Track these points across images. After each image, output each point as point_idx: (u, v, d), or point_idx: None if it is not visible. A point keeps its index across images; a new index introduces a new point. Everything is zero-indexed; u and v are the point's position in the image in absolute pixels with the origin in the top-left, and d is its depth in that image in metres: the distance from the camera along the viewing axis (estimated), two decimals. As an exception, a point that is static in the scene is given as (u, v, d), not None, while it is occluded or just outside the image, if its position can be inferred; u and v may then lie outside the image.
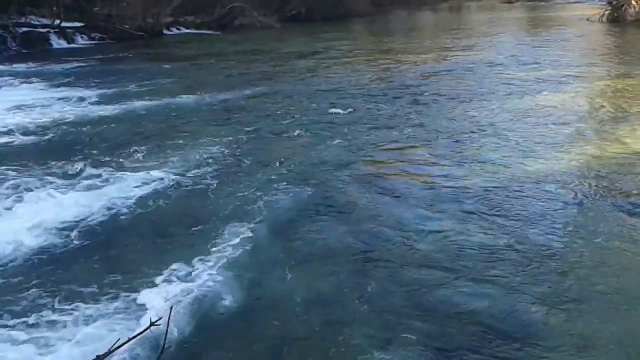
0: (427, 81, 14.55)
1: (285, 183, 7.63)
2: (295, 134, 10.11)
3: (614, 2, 26.95)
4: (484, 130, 9.99)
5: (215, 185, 7.61)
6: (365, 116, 11.32)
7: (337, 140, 9.63)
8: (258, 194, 7.18)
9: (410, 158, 8.74)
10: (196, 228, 6.22)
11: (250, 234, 5.98)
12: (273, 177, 7.87)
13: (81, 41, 24.96)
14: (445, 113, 11.28)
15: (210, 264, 5.35)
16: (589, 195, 7.14)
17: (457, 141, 9.42)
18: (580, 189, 7.31)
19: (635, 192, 7.12)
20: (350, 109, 11.80)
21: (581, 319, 4.54)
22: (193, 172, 8.02)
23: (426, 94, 13.03)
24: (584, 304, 4.74)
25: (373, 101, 12.56)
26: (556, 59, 17.18)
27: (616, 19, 25.91)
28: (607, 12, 26.71)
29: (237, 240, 5.83)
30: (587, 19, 27.24)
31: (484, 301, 4.77)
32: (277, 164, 8.44)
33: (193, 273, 5.20)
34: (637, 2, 25.14)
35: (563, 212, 6.60)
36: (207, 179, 7.79)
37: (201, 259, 5.42)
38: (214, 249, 5.66)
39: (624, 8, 25.81)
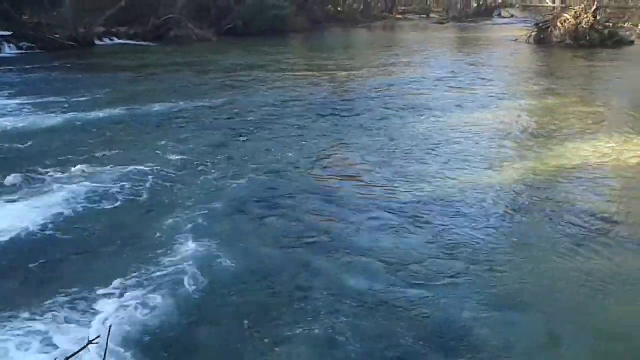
0: (363, 97, 14.66)
1: (222, 194, 7.49)
2: (230, 146, 10.01)
3: (540, 25, 28.18)
4: (417, 146, 10.11)
5: (148, 198, 7.32)
6: (305, 127, 11.32)
7: (276, 151, 9.64)
8: (195, 204, 7.05)
9: (343, 171, 8.78)
10: (127, 243, 5.97)
11: (189, 247, 5.81)
12: (210, 189, 7.73)
13: (9, 50, 23.84)
14: (381, 128, 11.38)
15: (144, 279, 5.10)
16: (516, 206, 7.36)
17: (390, 155, 9.53)
18: (507, 199, 7.57)
19: (562, 203, 7.38)
20: (288, 122, 11.76)
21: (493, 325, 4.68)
22: (121, 184, 7.74)
23: (362, 109, 13.12)
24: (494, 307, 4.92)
25: (311, 115, 12.55)
26: (487, 78, 17.72)
27: (542, 40, 27.10)
28: (534, 33, 27.88)
29: (171, 254, 5.62)
30: (515, 40, 28.34)
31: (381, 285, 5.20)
32: (212, 178, 8.23)
33: (129, 287, 4.96)
34: (562, 24, 26.37)
35: (491, 222, 6.81)
36: (137, 193, 7.51)
37: (134, 275, 5.17)
38: (147, 264, 5.42)
39: (549, 30, 27.04)
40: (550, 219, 6.96)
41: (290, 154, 9.53)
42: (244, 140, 10.47)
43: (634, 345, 4.52)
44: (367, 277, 5.36)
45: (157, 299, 4.79)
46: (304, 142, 10.32)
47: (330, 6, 43.96)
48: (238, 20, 31.15)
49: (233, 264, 5.53)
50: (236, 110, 13.13)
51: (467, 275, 5.48)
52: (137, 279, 5.12)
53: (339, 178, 8.48)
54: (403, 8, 52.02)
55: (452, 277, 5.44)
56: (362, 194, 7.69)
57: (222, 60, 21.86)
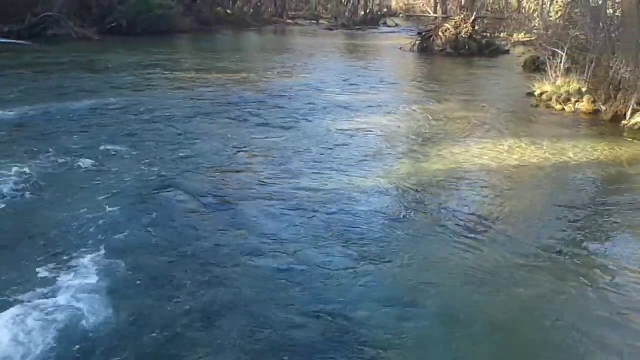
0: (253, 100, 14.46)
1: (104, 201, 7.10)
2: (113, 149, 9.52)
3: (423, 34, 29.34)
4: (309, 147, 10.16)
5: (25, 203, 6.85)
6: (186, 132, 10.97)
7: (157, 154, 9.32)
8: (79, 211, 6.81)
9: (230, 177, 8.57)
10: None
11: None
12: (93, 194, 7.47)
13: None
14: (271, 132, 11.29)
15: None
16: (409, 209, 7.63)
17: (281, 160, 9.47)
18: (399, 202, 7.84)
19: (451, 206, 7.66)
20: (171, 126, 11.36)
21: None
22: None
23: (253, 113, 12.96)
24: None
25: (196, 119, 12.23)
26: (376, 84, 18.12)
27: (425, 48, 28.22)
28: (417, 42, 28.98)
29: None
30: (401, 48, 29.29)
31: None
32: (92, 185, 7.72)
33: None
34: (443, 34, 27.60)
35: (382, 223, 7.06)
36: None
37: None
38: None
39: (432, 39, 28.22)
40: (433, 217, 7.25)
41: (178, 154, 9.19)
42: (134, 140, 9.98)
43: (494, 324, 5.02)
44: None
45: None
46: (195, 141, 10.13)
47: (219, 8, 43.15)
48: (122, 20, 29.68)
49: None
50: (119, 111, 12.43)
51: (347, 265, 5.89)
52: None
53: (231, 174, 8.39)
54: (293, 13, 52.21)
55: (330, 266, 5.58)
56: (253, 190, 7.53)
57: (103, 61, 20.68)
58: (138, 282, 5.36)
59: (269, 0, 50.81)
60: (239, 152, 9.82)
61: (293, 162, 9.35)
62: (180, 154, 9.48)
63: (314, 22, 50.02)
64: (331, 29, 44.52)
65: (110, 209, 6.96)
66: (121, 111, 12.48)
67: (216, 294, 5.24)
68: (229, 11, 44.70)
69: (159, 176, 8.33)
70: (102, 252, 5.84)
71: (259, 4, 48.66)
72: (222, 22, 40.09)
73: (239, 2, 47.07)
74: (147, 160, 9.02)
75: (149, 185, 7.96)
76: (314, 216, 7.13)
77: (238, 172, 8.80)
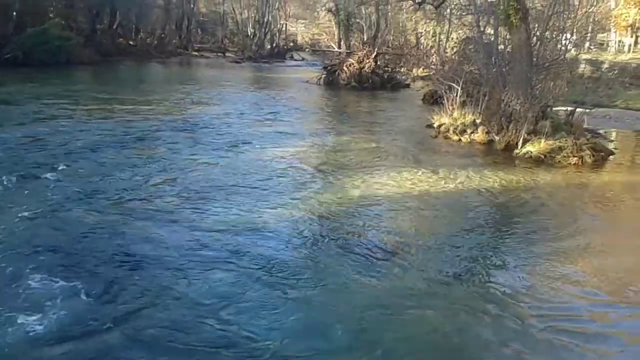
0: (159, 133, 14.12)
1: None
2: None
3: (329, 68, 30.05)
4: (222, 179, 10.02)
5: None
6: (89, 169, 10.51)
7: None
8: None
9: (140, 209, 8.27)
10: None
11: None
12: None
13: None
14: (179, 164, 11.05)
15: None
16: (319, 237, 7.74)
17: (194, 189, 9.36)
18: (310, 231, 7.90)
19: (360, 233, 7.81)
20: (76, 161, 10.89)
21: None
22: None
23: (159, 146, 12.66)
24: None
25: (97, 152, 11.74)
26: (284, 116, 18.27)
27: (331, 82, 28.93)
28: (323, 76, 29.65)
29: None
30: (307, 81, 29.80)
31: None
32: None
33: None
34: (347, 68, 28.39)
35: (294, 251, 7.14)
36: None
37: None
38: None
39: (337, 73, 28.95)
40: (342, 246, 7.34)
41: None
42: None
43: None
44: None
45: None
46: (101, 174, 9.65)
47: (121, 39, 42.13)
48: (17, 51, 28.21)
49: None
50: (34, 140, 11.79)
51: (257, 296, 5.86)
52: None
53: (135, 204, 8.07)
54: (199, 45, 51.88)
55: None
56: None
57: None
58: None
59: (173, 31, 50.27)
60: (147, 182, 9.55)
61: (206, 192, 9.25)
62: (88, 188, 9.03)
63: (221, 54, 49.97)
64: (238, 62, 44.64)
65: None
66: (17, 146, 11.78)
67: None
68: (131, 42, 43.75)
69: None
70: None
71: (163, 35, 48.00)
72: (124, 53, 39.15)
73: (142, 33, 46.21)
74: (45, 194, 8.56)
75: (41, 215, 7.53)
76: (224, 245, 7.08)
77: (143, 200, 8.57)
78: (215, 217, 8.13)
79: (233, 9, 55.57)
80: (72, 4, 37.35)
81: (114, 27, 41.17)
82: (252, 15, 52.82)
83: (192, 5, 52.02)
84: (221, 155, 11.96)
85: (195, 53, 48.78)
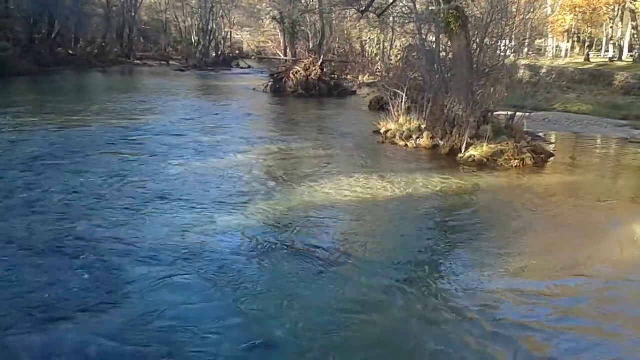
0: (101, 144, 13.76)
1: None
2: None
3: (275, 76, 30.05)
4: (164, 192, 9.84)
5: None
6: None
7: None
8: None
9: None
10: None
11: None
12: None
13: None
14: (123, 175, 10.82)
15: None
16: (274, 245, 7.70)
17: (134, 203, 9.17)
18: (263, 239, 7.86)
19: (312, 239, 7.83)
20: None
21: None
22: None
23: (100, 157, 12.39)
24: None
25: (31, 165, 11.32)
26: (232, 125, 18.15)
27: (278, 90, 28.95)
28: (270, 83, 29.62)
29: None
30: (254, 89, 29.71)
31: None
32: None
33: None
34: (294, 76, 28.46)
35: (248, 260, 7.08)
36: None
37: None
38: None
39: (284, 81, 28.97)
40: (290, 253, 7.36)
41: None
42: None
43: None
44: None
45: None
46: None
47: (60, 49, 40.96)
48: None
49: None
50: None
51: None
52: None
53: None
54: (141, 54, 50.99)
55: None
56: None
57: None
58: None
59: (114, 40, 49.27)
60: (90, 194, 9.30)
61: (151, 201, 9.13)
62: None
63: (164, 63, 49.27)
64: (182, 70, 44.12)
65: None
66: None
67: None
68: (71, 52, 42.60)
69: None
70: None
71: (103, 44, 46.96)
72: (63, 63, 38.08)
73: (82, 42, 45.06)
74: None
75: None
76: (172, 252, 7.02)
77: (88, 212, 8.36)
78: (162, 227, 8.01)
79: (176, 17, 54.95)
80: (8, 14, 36.17)
81: (53, 36, 40.03)
82: (196, 23, 52.37)
83: (133, 14, 51.12)
84: (167, 165, 11.78)
85: (138, 62, 47.92)
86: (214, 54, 51.53)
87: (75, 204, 8.98)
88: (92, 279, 6.36)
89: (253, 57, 52.45)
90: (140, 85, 31.59)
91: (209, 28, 50.93)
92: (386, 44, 37.27)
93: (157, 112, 20.02)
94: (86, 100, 22.73)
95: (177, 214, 8.68)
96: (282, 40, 33.52)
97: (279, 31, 34.45)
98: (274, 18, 35.14)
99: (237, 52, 57.62)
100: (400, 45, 32.70)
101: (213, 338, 5.27)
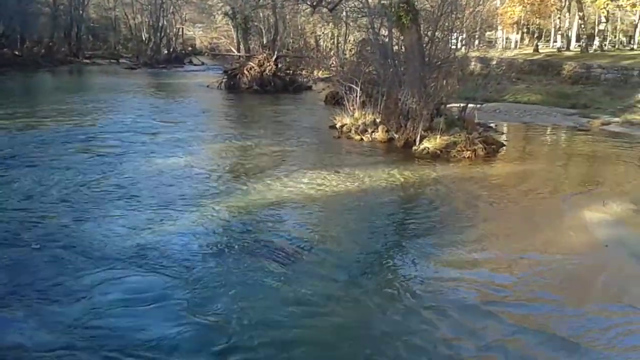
0: (49, 145, 13.35)
1: None
2: None
3: (229, 72, 29.75)
4: (124, 190, 9.71)
5: None
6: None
7: None
8: None
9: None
10: None
11: None
12: None
13: None
14: (75, 176, 10.58)
15: None
16: (224, 242, 7.64)
17: (93, 203, 9.01)
18: (223, 237, 7.81)
19: (272, 236, 7.81)
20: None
21: None
22: None
23: (50, 159, 12.00)
24: None
25: None
26: (186, 122, 17.86)
27: (232, 86, 28.68)
28: (224, 80, 29.31)
29: None
30: (208, 86, 29.37)
31: None
32: None
33: None
34: (248, 72, 28.24)
35: (208, 259, 7.00)
36: None
37: None
38: None
39: (238, 77, 28.71)
40: (248, 251, 7.33)
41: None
42: None
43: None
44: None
45: None
46: None
47: (5, 49, 39.55)
48: None
49: None
50: None
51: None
52: None
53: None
54: (90, 52, 49.63)
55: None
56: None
57: None
58: None
59: (62, 39, 47.84)
60: (42, 197, 9.00)
61: (110, 202, 8.99)
62: None
63: (114, 61, 48.16)
64: (133, 68, 43.26)
65: None
66: None
67: None
68: (17, 52, 41.17)
69: None
70: None
71: (51, 43, 45.55)
72: (9, 64, 36.73)
73: (28, 43, 43.59)
74: None
75: None
76: (128, 252, 6.88)
77: (40, 217, 8.10)
78: (116, 226, 7.91)
79: (125, 14, 53.78)
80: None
81: (-3, 37, 38.61)
82: (146, 20, 51.37)
83: (81, 12, 49.71)
84: (121, 165, 11.54)
85: (87, 60, 46.69)
86: (166, 51, 50.66)
87: (30, 205, 8.68)
88: (42, 275, 6.22)
89: (206, 54, 51.76)
90: (90, 85, 30.84)
91: (160, 25, 50.04)
92: (340, 39, 37.39)
93: (108, 112, 19.55)
94: (35, 102, 22.05)
95: (131, 213, 8.51)
96: (235, 36, 33.17)
97: (231, 27, 34.07)
98: (225, 14, 34.73)
99: (190, 48, 56.83)
100: (354, 40, 32.82)
101: (163, 339, 5.17)
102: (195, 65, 47.97)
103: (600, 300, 6.43)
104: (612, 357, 5.27)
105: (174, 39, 53.24)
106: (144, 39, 51.24)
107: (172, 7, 50.84)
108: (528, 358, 5.18)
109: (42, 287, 6.00)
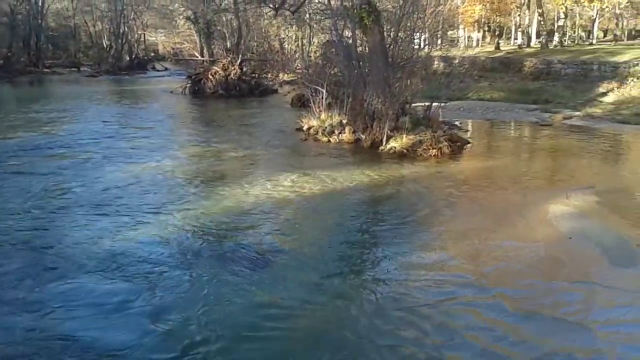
0: (11, 156, 13.03)
1: None
2: None
3: (193, 77, 29.50)
4: (92, 199, 9.57)
5: None
6: None
7: None
8: None
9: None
10: None
11: None
12: None
13: None
14: (39, 186, 10.39)
15: None
16: (194, 248, 7.59)
17: (59, 212, 8.89)
18: (183, 243, 7.75)
19: (242, 241, 7.83)
20: None
21: None
22: None
23: (12, 169, 11.69)
24: None
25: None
26: (150, 129, 17.68)
27: (197, 91, 28.49)
28: (188, 85, 29.08)
29: None
30: (172, 92, 29.08)
31: None
32: None
33: None
34: (213, 76, 28.05)
35: (171, 264, 6.98)
36: None
37: None
38: None
39: (202, 82, 28.50)
40: (219, 256, 7.33)
41: None
42: None
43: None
44: None
45: None
46: None
47: (-39, 61, 38.62)
48: None
49: None
50: None
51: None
52: None
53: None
54: (50, 61, 48.62)
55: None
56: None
57: None
58: None
59: (21, 49, 46.74)
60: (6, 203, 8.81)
61: (77, 210, 8.90)
62: None
63: (75, 69, 47.30)
64: (94, 76, 42.58)
65: None
66: None
67: None
68: (-27, 63, 40.16)
69: None
70: None
71: (9, 54, 44.47)
72: (-35, 76, 35.82)
73: (-16, 53, 42.54)
74: None
75: None
76: (100, 258, 6.77)
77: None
78: (83, 234, 7.81)
79: (85, 22, 52.89)
80: None
81: (-49, 48, 37.53)
82: (107, 26, 50.61)
83: (40, 21, 48.64)
84: (86, 173, 11.37)
85: (47, 70, 45.71)
86: (128, 58, 49.97)
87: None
88: (7, 281, 6.11)
89: (169, 59, 51.06)
90: (52, 94, 30.20)
91: (121, 31, 49.34)
92: (304, 41, 37.33)
93: (71, 121, 19.20)
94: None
95: (98, 221, 8.40)
96: (198, 41, 32.84)
97: (194, 31, 33.75)
98: (187, 18, 34.35)
99: (152, 54, 56.07)
100: (319, 42, 32.85)
101: (123, 348, 5.11)
102: (158, 70, 47.47)
103: (565, 279, 6.66)
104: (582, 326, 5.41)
105: (135, 45, 52.54)
106: (105, 46, 50.50)
107: (133, 14, 50.18)
108: (504, 336, 5.33)
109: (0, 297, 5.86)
